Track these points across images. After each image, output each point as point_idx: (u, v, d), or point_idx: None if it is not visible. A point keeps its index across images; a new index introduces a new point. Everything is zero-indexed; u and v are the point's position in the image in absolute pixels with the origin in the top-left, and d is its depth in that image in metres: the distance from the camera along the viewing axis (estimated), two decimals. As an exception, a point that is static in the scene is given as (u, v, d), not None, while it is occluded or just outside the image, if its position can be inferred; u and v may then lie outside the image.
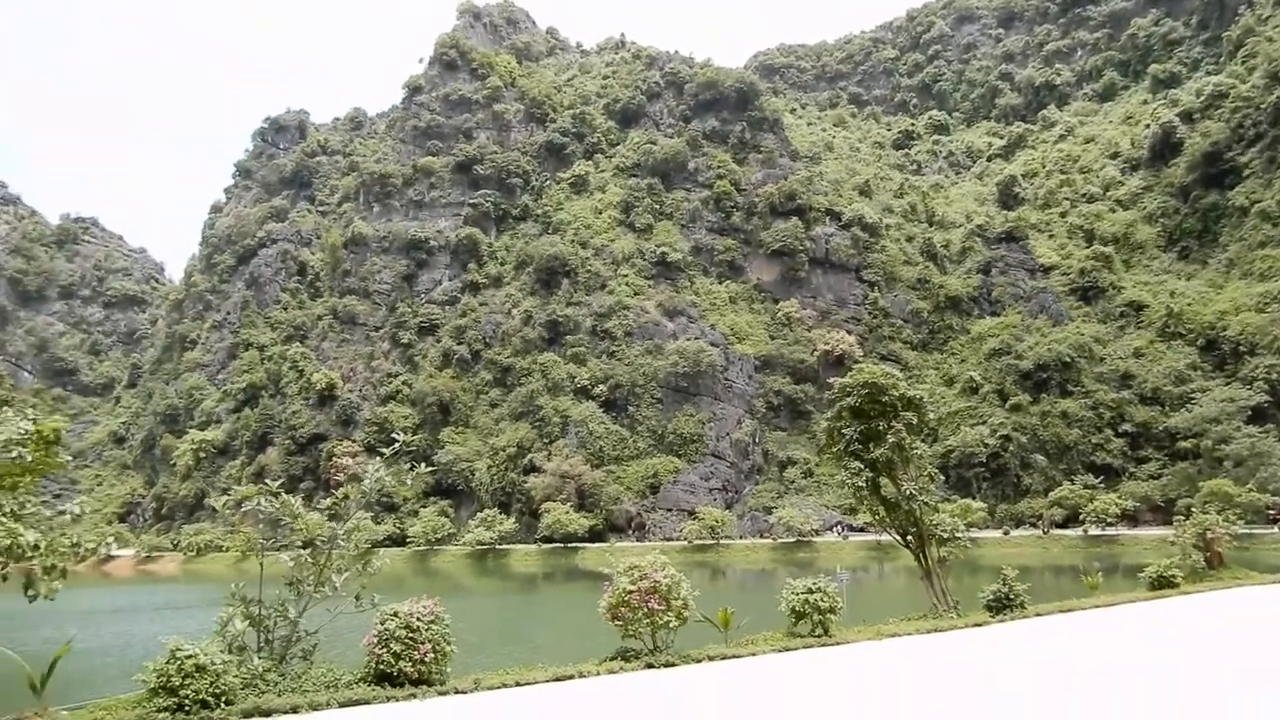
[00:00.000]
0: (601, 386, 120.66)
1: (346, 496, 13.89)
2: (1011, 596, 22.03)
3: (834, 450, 25.05)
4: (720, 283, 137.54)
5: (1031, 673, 13.60)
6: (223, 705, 10.84)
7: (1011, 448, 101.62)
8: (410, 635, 12.29)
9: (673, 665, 14.44)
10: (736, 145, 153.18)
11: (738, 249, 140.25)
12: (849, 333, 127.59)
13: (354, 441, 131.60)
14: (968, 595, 24.83)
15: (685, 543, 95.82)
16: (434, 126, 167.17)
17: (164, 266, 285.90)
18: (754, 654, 15.80)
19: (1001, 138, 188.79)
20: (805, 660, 15.63)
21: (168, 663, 10.76)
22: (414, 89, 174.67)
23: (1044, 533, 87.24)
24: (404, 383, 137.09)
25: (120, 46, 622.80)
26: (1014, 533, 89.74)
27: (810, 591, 17.51)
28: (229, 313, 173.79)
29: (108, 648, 34.71)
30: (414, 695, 12.00)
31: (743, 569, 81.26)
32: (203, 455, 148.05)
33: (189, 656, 10.76)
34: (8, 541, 11.70)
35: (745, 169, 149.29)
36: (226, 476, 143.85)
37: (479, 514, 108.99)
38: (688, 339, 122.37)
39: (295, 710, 11.16)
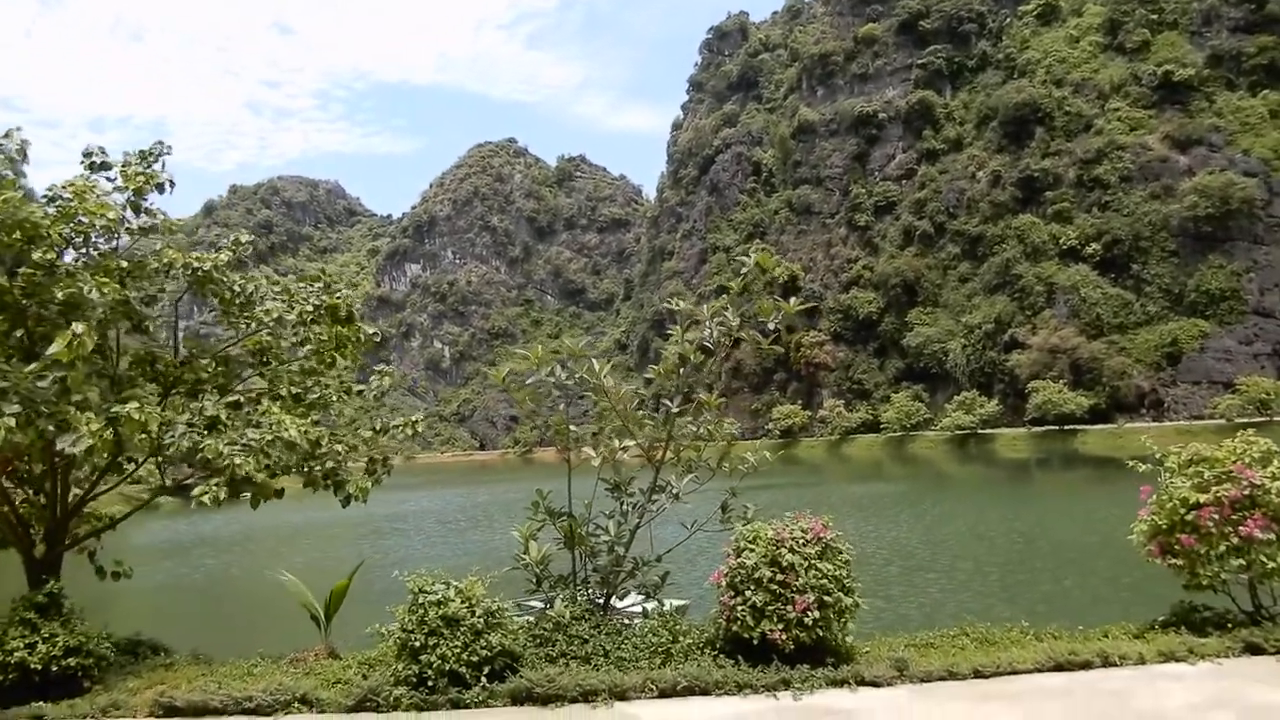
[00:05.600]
0: (1094, 245, 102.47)
1: (684, 360, 9.28)
2: None
3: None
4: (1254, 94, 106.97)
5: None
6: (483, 679, 7.01)
7: None
8: (780, 578, 7.31)
9: (1303, 648, 7.51)
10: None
11: (1279, 47, 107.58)
12: None
13: (820, 331, 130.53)
14: None
15: (1222, 421, 77.71)
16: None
17: (641, 189, 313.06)
18: None
19: None
20: None
21: (410, 611, 7.23)
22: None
23: None
24: (865, 267, 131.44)
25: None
26: None
27: None
28: (696, 221, 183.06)
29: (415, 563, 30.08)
30: (785, 682, 7.04)
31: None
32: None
33: (435, 603, 7.08)
34: (269, 436, 9.12)
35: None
36: (708, 372, 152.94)
37: (956, 397, 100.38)
38: (1209, 173, 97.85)
39: (589, 697, 6.94)
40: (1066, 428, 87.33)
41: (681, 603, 15.94)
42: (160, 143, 10.20)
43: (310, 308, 10.67)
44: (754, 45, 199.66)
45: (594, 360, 8.62)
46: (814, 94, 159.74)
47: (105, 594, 11.27)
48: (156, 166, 10.20)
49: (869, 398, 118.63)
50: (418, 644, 6.99)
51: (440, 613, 7.01)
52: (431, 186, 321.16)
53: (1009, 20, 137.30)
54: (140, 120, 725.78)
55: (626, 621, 8.26)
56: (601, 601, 8.45)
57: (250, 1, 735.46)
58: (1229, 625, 7.85)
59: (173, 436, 9.06)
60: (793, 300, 9.60)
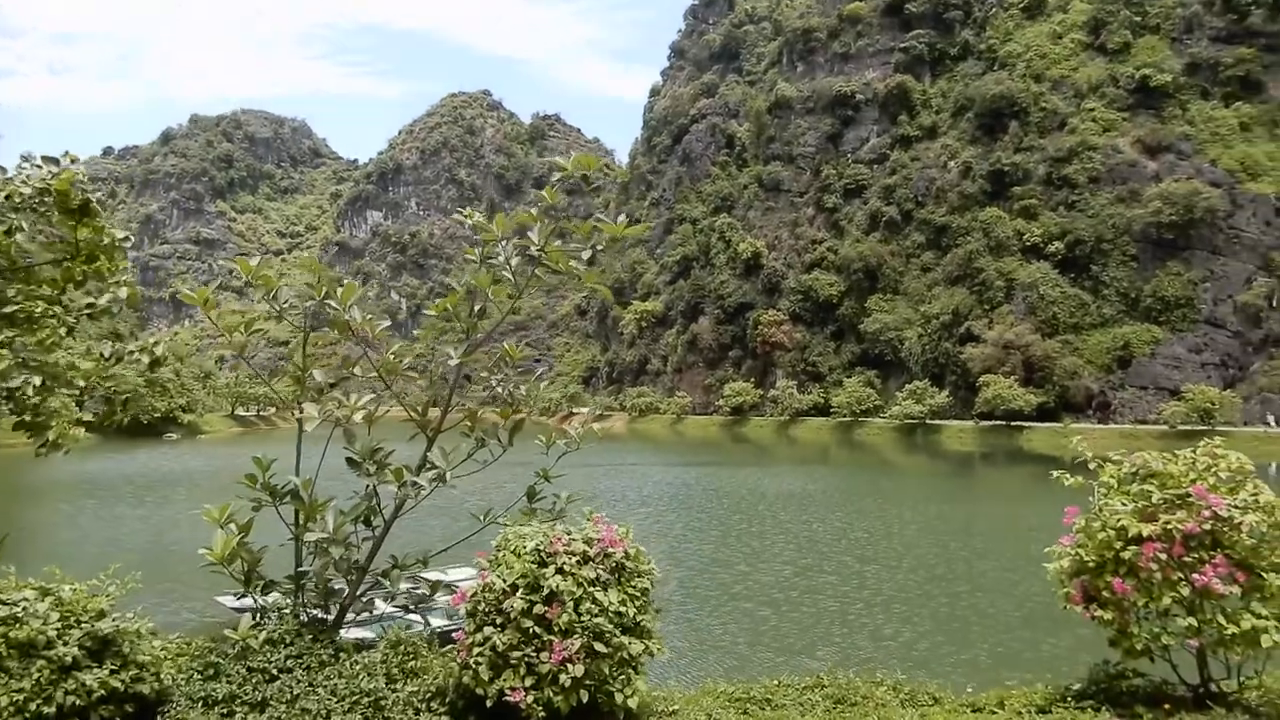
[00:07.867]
0: (1057, 243, 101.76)
1: (473, 292, 6.97)
2: None
3: None
4: (1227, 106, 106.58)
5: None
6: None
7: None
8: (539, 611, 5.10)
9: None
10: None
11: (1255, 59, 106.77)
12: None
13: (779, 310, 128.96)
14: None
15: (1165, 427, 77.85)
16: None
17: (614, 153, 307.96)
18: None
19: None
20: None
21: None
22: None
23: None
24: (829, 249, 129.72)
25: None
26: None
27: None
28: (665, 190, 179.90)
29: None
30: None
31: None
32: (644, 325, 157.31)
33: (6, 620, 4.75)
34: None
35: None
36: (665, 344, 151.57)
37: (907, 386, 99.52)
38: (1175, 180, 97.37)
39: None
40: (1014, 424, 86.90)
41: None
42: None
43: (27, 191, 8.11)
44: (739, 16, 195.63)
45: (343, 280, 6.27)
46: (794, 70, 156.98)
47: None
48: None
49: (822, 380, 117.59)
50: (-27, 687, 4.67)
51: (10, 635, 4.68)
52: (400, 133, 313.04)
53: (994, 10, 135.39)
54: (110, 39, 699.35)
55: (350, 649, 5.98)
56: (332, 617, 6.19)
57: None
58: (1165, 704, 5.78)
59: None
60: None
